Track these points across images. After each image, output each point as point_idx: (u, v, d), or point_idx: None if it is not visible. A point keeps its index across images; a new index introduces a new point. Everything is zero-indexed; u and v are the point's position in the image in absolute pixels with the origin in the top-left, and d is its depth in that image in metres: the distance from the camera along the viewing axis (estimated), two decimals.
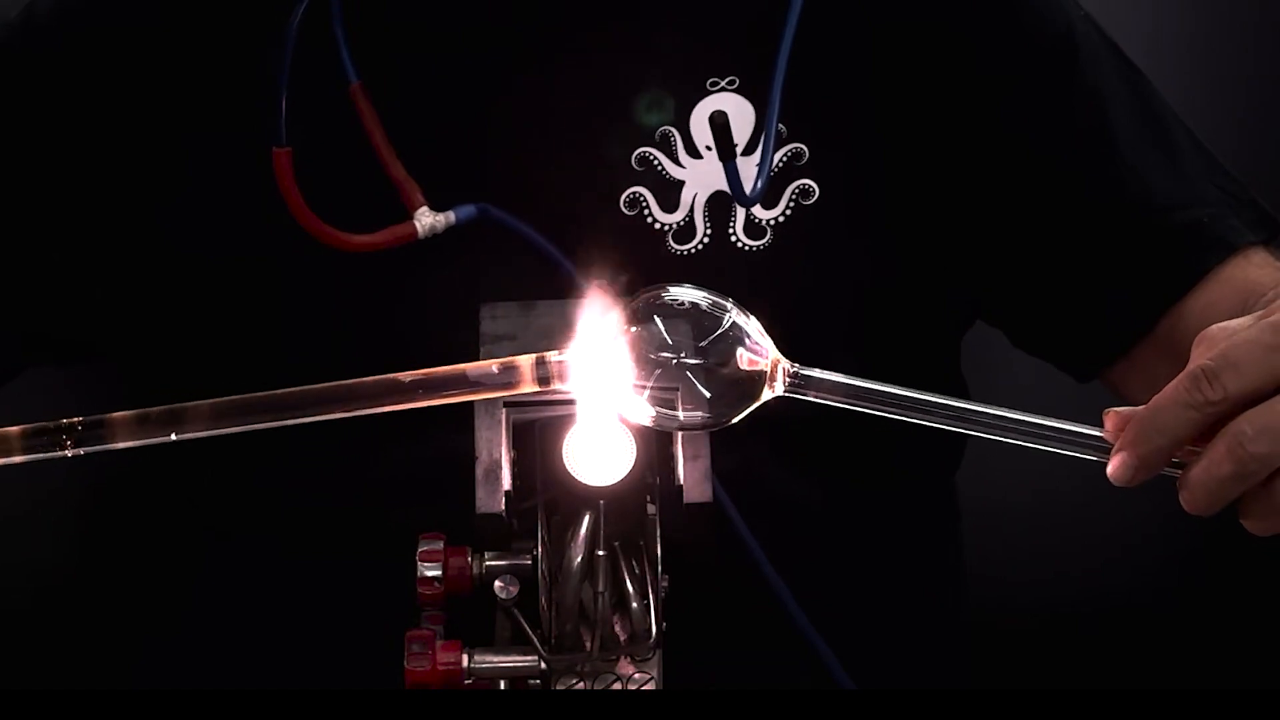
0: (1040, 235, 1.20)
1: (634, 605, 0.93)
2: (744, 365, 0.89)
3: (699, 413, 0.89)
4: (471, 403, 0.96)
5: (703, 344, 0.89)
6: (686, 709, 0.93)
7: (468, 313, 1.04)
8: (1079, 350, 1.22)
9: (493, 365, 0.88)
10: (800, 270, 1.17)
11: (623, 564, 0.94)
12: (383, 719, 0.93)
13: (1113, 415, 0.90)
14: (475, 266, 1.14)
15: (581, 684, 0.94)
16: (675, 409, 0.88)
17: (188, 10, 1.18)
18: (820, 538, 1.20)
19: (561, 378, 0.88)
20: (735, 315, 0.90)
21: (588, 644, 0.93)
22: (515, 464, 0.96)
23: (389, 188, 1.14)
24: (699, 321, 0.89)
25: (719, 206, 1.16)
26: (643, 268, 1.08)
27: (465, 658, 0.94)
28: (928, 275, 1.20)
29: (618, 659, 0.94)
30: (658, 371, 0.88)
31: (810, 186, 1.17)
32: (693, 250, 1.16)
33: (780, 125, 1.15)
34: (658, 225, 1.16)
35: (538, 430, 0.96)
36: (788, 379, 0.90)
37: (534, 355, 0.88)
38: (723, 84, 1.16)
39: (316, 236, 1.13)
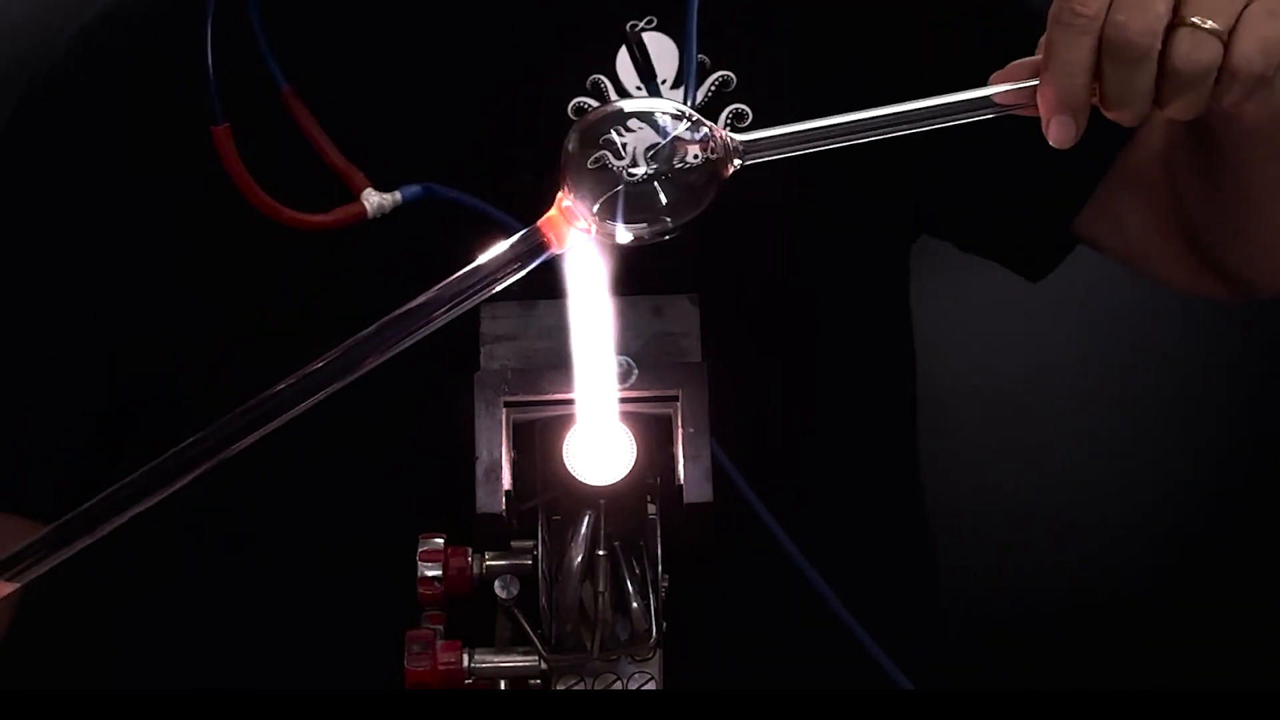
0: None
1: (634, 605, 0.93)
2: (698, 157, 0.89)
3: (680, 211, 0.89)
4: (472, 403, 0.96)
5: (652, 151, 0.88)
6: (686, 709, 0.93)
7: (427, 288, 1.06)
8: (1042, 215, 1.24)
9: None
10: (744, 195, 1.19)
11: (623, 564, 0.94)
12: (383, 719, 0.93)
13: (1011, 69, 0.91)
14: (429, 244, 1.16)
15: (581, 684, 0.94)
16: (659, 214, 0.88)
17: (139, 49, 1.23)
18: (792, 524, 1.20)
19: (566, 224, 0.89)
20: (670, 112, 0.89)
21: (588, 644, 0.93)
22: (515, 464, 0.96)
23: (336, 180, 1.16)
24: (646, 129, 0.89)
25: None
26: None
27: (465, 658, 0.94)
28: (869, 183, 1.22)
29: (618, 659, 0.94)
30: (624, 188, 0.88)
31: (743, 110, 1.20)
32: None
33: (704, 56, 1.19)
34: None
35: (538, 430, 0.96)
36: (739, 155, 0.90)
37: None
38: (641, 25, 1.20)
39: (268, 215, 1.15)
